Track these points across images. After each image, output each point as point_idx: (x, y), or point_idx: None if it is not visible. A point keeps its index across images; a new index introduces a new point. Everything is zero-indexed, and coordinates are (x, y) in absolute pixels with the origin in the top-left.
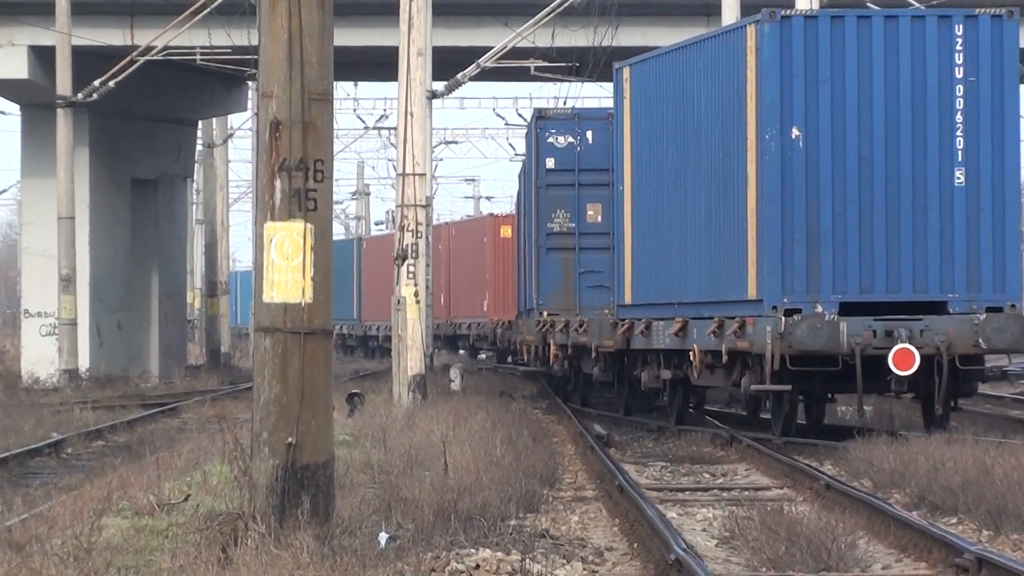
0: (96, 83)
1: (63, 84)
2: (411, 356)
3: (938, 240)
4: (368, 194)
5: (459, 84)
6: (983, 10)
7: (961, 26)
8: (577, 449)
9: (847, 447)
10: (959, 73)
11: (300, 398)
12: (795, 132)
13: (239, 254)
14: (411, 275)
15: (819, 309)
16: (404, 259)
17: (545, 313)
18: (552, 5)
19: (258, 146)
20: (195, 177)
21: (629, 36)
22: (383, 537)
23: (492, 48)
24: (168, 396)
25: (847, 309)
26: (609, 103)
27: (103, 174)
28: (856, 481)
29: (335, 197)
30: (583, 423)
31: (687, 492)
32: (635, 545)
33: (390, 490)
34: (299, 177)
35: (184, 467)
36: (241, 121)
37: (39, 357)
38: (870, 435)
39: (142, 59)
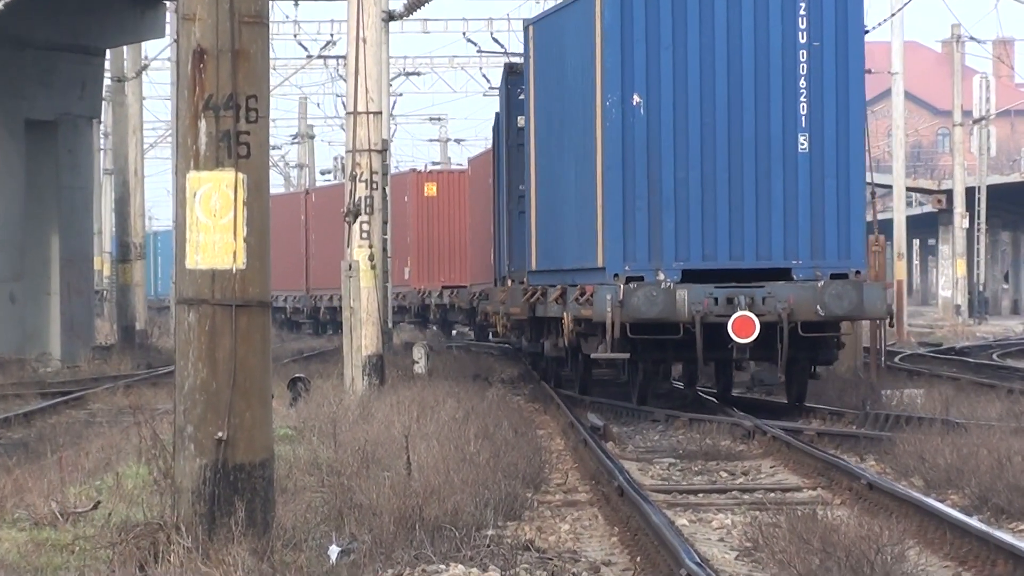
0: None
1: None
2: (366, 333)
3: (782, 207)
4: (312, 137)
5: (421, 3)
6: None
7: None
8: (568, 443)
9: (894, 439)
10: (803, 38)
11: (232, 384)
12: (636, 98)
13: (157, 211)
14: (365, 235)
15: (661, 277)
16: (356, 215)
17: (510, 282)
18: None
19: (179, 80)
20: (103, 118)
21: None
22: (333, 551)
23: None
24: (73, 383)
25: (691, 276)
26: None
27: None
28: (905, 480)
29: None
30: (575, 412)
31: (700, 494)
32: (638, 559)
33: (342, 494)
34: (228, 117)
35: (93, 468)
36: (158, 50)
37: None
38: (921, 423)
39: None
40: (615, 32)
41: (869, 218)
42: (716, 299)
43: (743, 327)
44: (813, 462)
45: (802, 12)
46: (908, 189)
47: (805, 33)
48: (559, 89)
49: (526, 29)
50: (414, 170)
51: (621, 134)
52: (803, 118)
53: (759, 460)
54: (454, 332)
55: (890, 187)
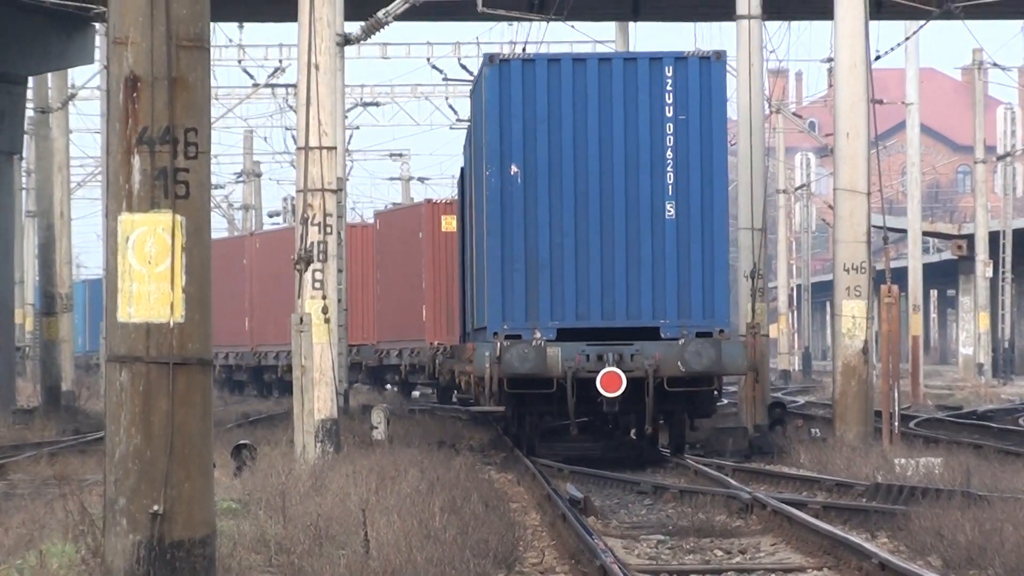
0: None
1: None
2: (319, 394)
3: (650, 269)
4: (259, 175)
5: (381, 25)
6: (692, 52)
7: (671, 67)
8: (545, 517)
9: (908, 513)
10: (669, 112)
11: (169, 452)
12: (514, 169)
13: (85, 257)
14: (318, 284)
15: (537, 335)
16: (308, 263)
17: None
18: None
19: (109, 111)
20: (24, 154)
21: None
22: None
23: None
24: None
25: (566, 335)
26: (584, 49)
27: None
28: (921, 559)
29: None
30: (553, 483)
31: (693, 575)
32: None
33: (292, 575)
34: (165, 152)
35: (13, 546)
36: (87, 77)
37: None
38: (938, 496)
39: None
40: (495, 107)
41: (880, 266)
42: (588, 356)
43: (610, 382)
44: (818, 539)
45: (668, 88)
46: (925, 233)
47: (672, 107)
48: (472, 158)
49: (470, 96)
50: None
51: (500, 202)
52: (670, 187)
53: (758, 537)
54: (415, 393)
55: (905, 231)
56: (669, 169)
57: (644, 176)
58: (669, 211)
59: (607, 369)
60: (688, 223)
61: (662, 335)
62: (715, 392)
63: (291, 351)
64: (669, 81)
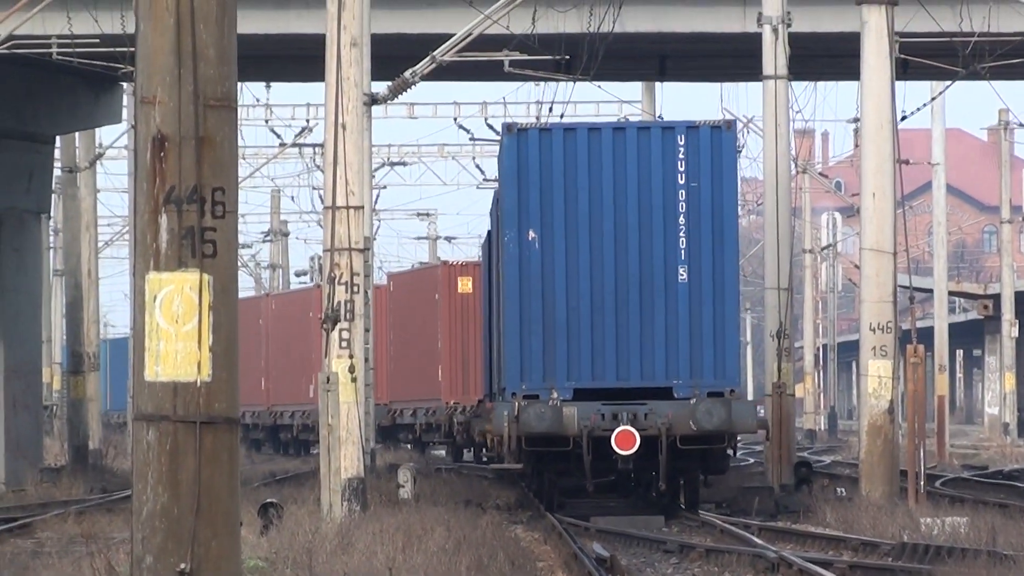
0: None
1: None
2: (345, 453)
3: (663, 331)
4: (286, 234)
5: (408, 85)
6: (704, 122)
7: (684, 136)
8: None
9: (934, 573)
10: (682, 179)
11: (196, 510)
12: (531, 234)
13: (113, 316)
14: (345, 343)
15: (554, 395)
16: (335, 322)
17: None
18: None
19: (137, 170)
20: (52, 213)
21: (637, 18)
22: None
23: (453, 36)
24: (18, 508)
25: (581, 394)
26: (611, 109)
27: None
28: None
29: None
30: (579, 542)
31: None
32: None
33: None
34: (192, 212)
35: None
36: (114, 136)
37: None
38: (964, 555)
39: None
40: (512, 174)
41: (907, 325)
42: (603, 415)
43: (625, 440)
44: None
45: (681, 156)
46: (951, 293)
47: (684, 174)
48: (495, 222)
49: (497, 160)
50: (445, 262)
51: (518, 266)
52: (683, 251)
53: None
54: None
55: (931, 291)
56: (682, 234)
57: (657, 241)
58: (682, 275)
59: (621, 428)
60: (700, 286)
61: (675, 395)
62: (727, 450)
63: (305, 411)
64: (681, 149)
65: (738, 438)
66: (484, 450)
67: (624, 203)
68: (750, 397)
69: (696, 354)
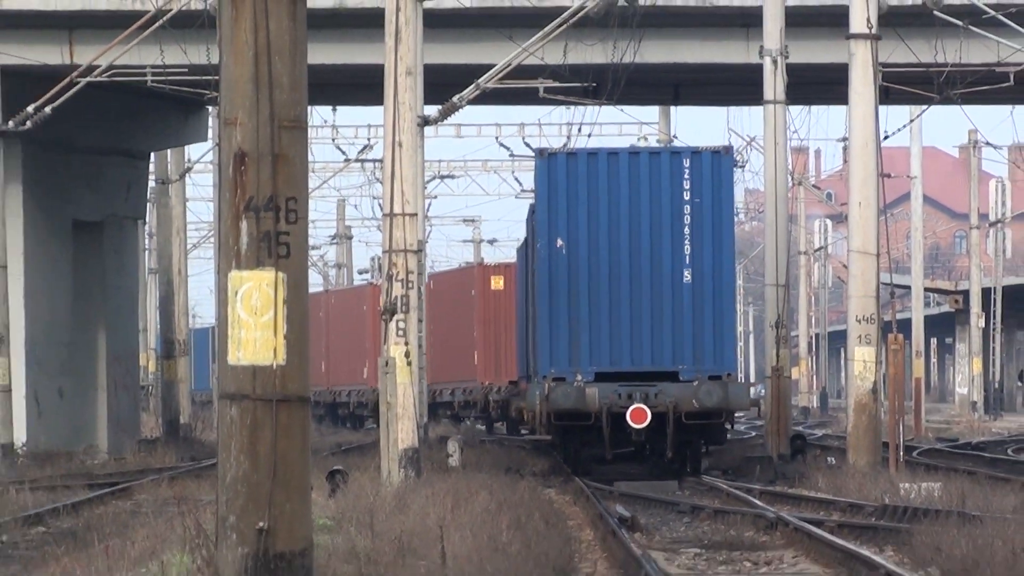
0: (30, 109)
1: None
2: (402, 427)
3: (671, 324)
4: (350, 238)
5: (455, 108)
6: (705, 148)
7: (688, 160)
8: (597, 534)
9: (911, 531)
10: (687, 196)
11: (272, 476)
12: (559, 242)
13: (200, 309)
14: (401, 332)
15: (579, 377)
16: (392, 314)
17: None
18: (564, 16)
19: (220, 182)
20: (147, 219)
21: (654, 51)
22: None
23: (494, 66)
24: (119, 474)
25: (601, 377)
26: (632, 130)
27: (39, 216)
28: (922, 570)
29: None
30: (604, 503)
31: None
32: None
33: None
34: (269, 218)
35: (138, 557)
36: (201, 153)
37: None
38: (937, 516)
39: (83, 81)
40: (544, 192)
41: (888, 317)
42: (620, 394)
43: (638, 416)
44: (833, 552)
45: (686, 176)
46: (926, 289)
47: (688, 192)
48: (530, 231)
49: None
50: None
51: (548, 270)
52: (687, 256)
53: (781, 550)
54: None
55: (909, 288)
56: (686, 242)
57: (666, 247)
58: (686, 276)
59: (635, 405)
60: (702, 286)
61: (680, 378)
62: (725, 424)
63: (360, 390)
64: (687, 171)
65: (735, 415)
66: (520, 423)
67: (638, 216)
68: (752, 379)
69: (698, 343)
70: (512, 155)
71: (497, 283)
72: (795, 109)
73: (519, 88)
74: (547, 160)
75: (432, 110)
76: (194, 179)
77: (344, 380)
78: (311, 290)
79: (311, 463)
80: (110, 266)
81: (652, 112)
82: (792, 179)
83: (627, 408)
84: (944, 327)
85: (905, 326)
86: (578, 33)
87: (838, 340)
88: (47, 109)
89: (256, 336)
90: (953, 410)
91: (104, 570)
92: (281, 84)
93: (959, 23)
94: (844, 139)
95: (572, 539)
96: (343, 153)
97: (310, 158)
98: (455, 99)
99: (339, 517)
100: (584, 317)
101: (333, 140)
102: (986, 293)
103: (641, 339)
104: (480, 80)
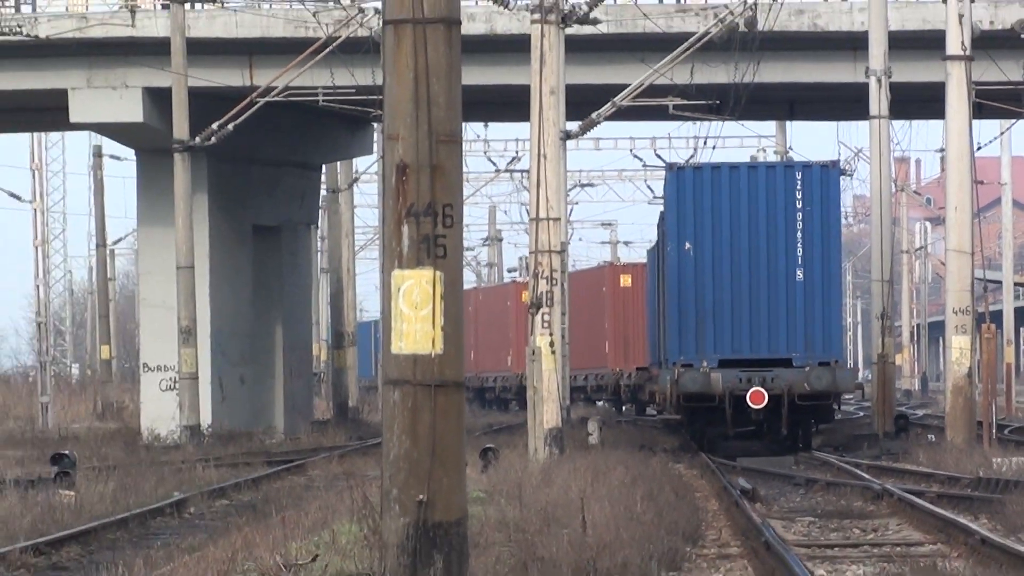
0: (214, 126)
1: (179, 127)
2: (547, 409)
3: (785, 316)
4: (500, 240)
5: (594, 124)
6: (816, 162)
7: (800, 173)
8: (721, 505)
9: (1004, 501)
10: (799, 204)
11: (431, 454)
12: (687, 246)
13: (366, 303)
14: (546, 324)
15: (704, 364)
16: (538, 307)
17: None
18: (690, 40)
19: (384, 190)
20: (319, 224)
21: (772, 72)
22: None
23: (628, 86)
24: (294, 453)
25: (724, 363)
26: (751, 142)
27: (223, 221)
28: (1013, 536)
29: (465, 243)
30: (727, 477)
31: (836, 548)
32: None
33: (526, 548)
34: (427, 222)
35: (311, 526)
36: (366, 165)
37: (159, 413)
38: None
39: (262, 100)
40: (673, 201)
41: (982, 309)
42: (740, 379)
43: (756, 398)
44: (933, 521)
45: (798, 187)
46: (1016, 284)
47: (800, 201)
48: (660, 235)
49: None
50: (611, 263)
51: (678, 270)
52: (799, 257)
53: (887, 519)
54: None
55: (1000, 282)
56: (799, 245)
57: (780, 250)
58: (799, 275)
59: (754, 388)
60: (813, 284)
61: (793, 364)
62: (832, 405)
63: (504, 376)
64: (798, 182)
65: (842, 396)
66: (649, 404)
67: (756, 222)
68: (860, 366)
69: (809, 333)
70: (645, 165)
71: (625, 281)
72: (897, 123)
73: (650, 105)
74: (676, 173)
75: (573, 125)
76: (361, 188)
77: (490, 367)
78: (468, 287)
79: (465, 442)
80: (286, 266)
81: (769, 126)
82: (895, 186)
83: (747, 391)
84: None
85: (997, 317)
86: (703, 56)
87: (937, 330)
88: (229, 126)
89: (416, 328)
90: None
91: (281, 538)
92: (438, 103)
93: None
94: (941, 150)
95: (699, 509)
96: (494, 164)
97: (464, 169)
98: (594, 115)
99: (491, 490)
100: (709, 311)
101: (485, 153)
102: None
103: (759, 330)
104: (616, 98)
